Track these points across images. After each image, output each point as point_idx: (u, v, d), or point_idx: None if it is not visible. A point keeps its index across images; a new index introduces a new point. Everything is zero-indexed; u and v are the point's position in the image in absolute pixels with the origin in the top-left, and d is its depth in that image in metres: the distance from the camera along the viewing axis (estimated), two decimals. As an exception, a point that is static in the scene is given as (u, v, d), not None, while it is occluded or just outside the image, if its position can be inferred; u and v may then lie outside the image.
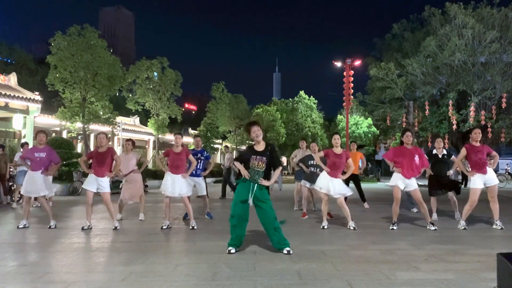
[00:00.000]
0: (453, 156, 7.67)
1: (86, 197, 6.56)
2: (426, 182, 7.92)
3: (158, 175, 21.20)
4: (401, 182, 6.36)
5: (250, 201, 4.66)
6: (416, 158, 6.33)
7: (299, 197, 9.56)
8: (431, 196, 7.56)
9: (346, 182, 9.27)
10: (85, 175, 15.45)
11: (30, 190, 6.65)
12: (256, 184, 4.69)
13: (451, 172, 7.63)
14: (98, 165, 6.50)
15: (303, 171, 8.46)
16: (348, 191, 6.66)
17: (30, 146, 11.42)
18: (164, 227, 6.48)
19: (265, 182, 4.72)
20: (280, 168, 4.99)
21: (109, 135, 21.68)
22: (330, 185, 6.45)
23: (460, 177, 17.15)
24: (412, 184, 6.35)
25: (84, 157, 7.30)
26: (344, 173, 6.76)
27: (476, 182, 6.38)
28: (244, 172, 4.72)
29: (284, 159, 32.11)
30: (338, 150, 6.60)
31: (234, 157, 17.35)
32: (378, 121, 29.73)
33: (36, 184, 6.61)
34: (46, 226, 6.70)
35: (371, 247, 5.02)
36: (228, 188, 13.11)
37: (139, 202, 7.89)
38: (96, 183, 6.47)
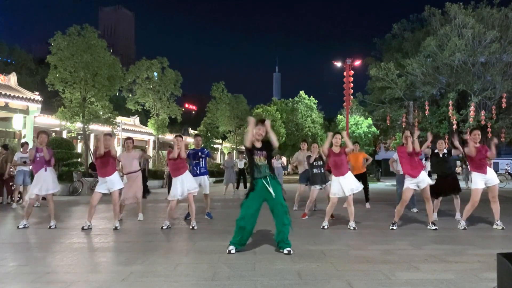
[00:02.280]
0: (453, 151, 7.66)
1: (92, 198, 6.57)
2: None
3: (158, 175, 21.22)
4: (413, 183, 6.35)
5: (272, 192, 4.69)
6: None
7: (300, 198, 9.55)
8: (433, 197, 7.56)
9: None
10: (85, 175, 15.54)
11: (40, 189, 6.64)
12: (268, 177, 4.77)
13: (459, 170, 7.65)
14: (103, 166, 6.53)
15: (306, 173, 8.43)
16: (359, 186, 6.60)
17: (30, 146, 11.45)
18: (164, 227, 6.48)
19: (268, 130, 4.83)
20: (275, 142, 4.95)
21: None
22: (343, 186, 6.43)
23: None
24: (425, 180, 6.34)
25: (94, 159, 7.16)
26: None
27: (477, 182, 6.38)
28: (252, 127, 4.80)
29: (284, 159, 32.13)
30: (336, 149, 6.63)
31: (234, 159, 17.31)
32: (378, 121, 29.70)
33: (45, 182, 6.63)
34: (46, 226, 6.70)
35: (371, 247, 5.02)
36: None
37: (137, 203, 7.82)
38: (106, 185, 6.50)
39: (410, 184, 6.37)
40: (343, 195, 6.46)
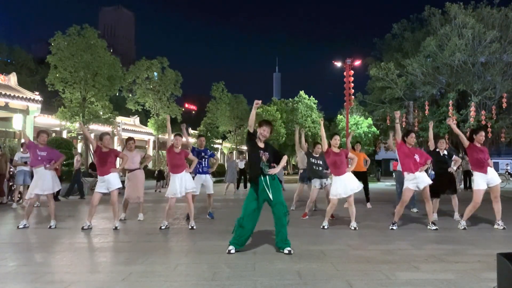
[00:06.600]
0: (454, 156, 7.70)
1: (92, 197, 6.57)
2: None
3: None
4: (413, 183, 6.33)
5: (270, 195, 4.66)
6: (416, 156, 6.36)
7: (299, 198, 9.53)
8: (433, 197, 7.56)
9: None
10: (85, 175, 15.53)
11: (41, 188, 6.63)
12: (267, 177, 4.73)
13: (454, 169, 7.63)
14: (101, 165, 6.54)
15: (306, 173, 8.40)
16: (359, 185, 6.59)
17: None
18: (162, 227, 6.47)
19: (273, 170, 4.79)
20: (285, 157, 5.08)
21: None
22: (344, 186, 6.39)
23: (463, 176, 17.19)
24: (424, 180, 6.32)
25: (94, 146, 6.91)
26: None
27: (480, 183, 6.36)
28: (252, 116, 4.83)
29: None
30: (336, 149, 6.64)
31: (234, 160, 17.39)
32: (378, 121, 29.70)
33: (45, 180, 6.62)
34: (46, 226, 6.70)
35: (371, 247, 5.02)
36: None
37: (139, 203, 7.85)
38: (105, 184, 6.51)
39: (410, 184, 6.36)
40: (344, 196, 6.44)
